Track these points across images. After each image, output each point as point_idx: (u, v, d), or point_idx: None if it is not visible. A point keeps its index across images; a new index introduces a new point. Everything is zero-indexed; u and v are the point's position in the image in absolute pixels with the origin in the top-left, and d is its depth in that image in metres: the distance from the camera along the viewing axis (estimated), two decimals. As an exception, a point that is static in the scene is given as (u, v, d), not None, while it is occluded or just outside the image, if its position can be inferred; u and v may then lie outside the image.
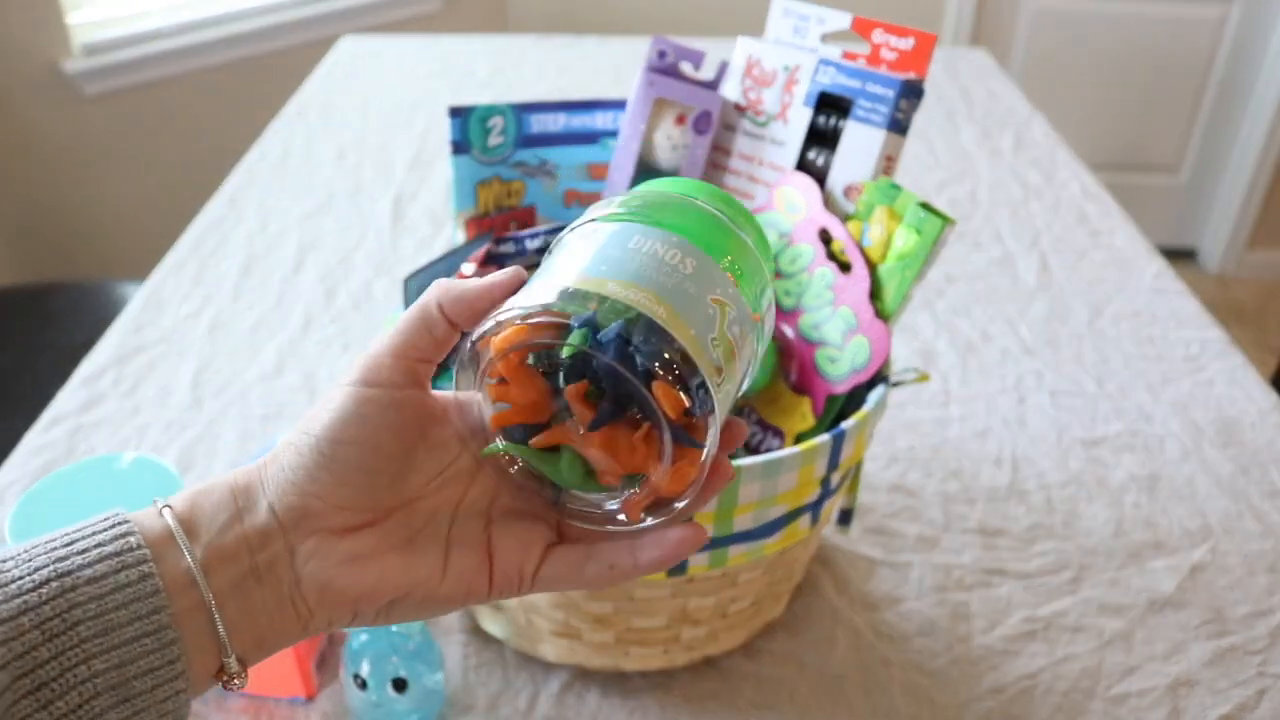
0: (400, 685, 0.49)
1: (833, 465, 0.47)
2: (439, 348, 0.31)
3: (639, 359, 0.28)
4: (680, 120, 0.57)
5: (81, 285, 1.28)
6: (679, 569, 0.48)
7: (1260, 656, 0.58)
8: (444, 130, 1.22)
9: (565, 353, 0.29)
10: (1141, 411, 0.77)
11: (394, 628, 0.49)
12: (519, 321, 0.29)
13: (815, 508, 0.49)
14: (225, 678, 0.29)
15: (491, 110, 0.57)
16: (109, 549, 0.27)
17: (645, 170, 0.59)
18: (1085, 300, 0.91)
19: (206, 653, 0.28)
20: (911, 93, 0.51)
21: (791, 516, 0.48)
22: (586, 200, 0.61)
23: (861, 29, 0.53)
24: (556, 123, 0.59)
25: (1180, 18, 2.20)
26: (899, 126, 0.52)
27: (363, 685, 0.50)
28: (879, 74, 0.52)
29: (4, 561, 0.27)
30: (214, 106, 1.86)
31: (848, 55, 0.54)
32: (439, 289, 0.31)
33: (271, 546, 0.30)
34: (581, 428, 0.30)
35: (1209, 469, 0.72)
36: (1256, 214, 2.33)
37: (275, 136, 1.20)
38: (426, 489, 0.32)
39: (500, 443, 0.31)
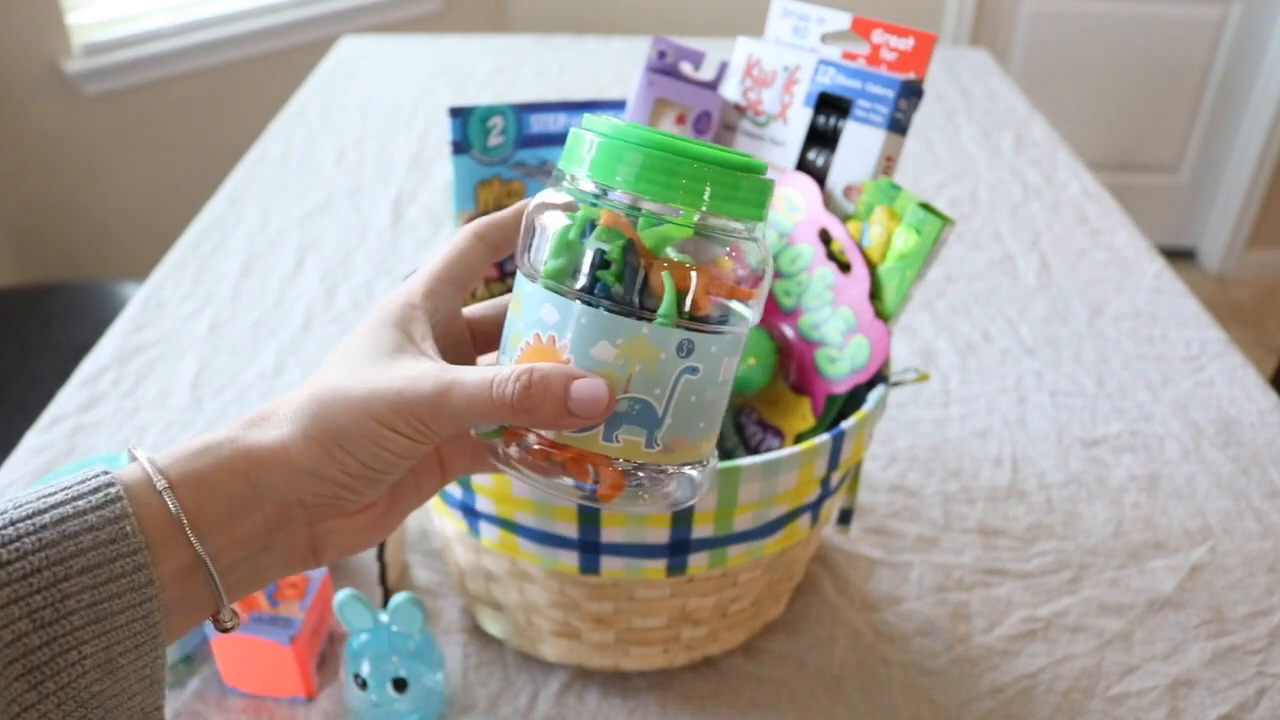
0: (400, 685, 0.49)
1: (833, 465, 0.48)
2: (481, 270, 0.36)
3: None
4: (680, 120, 0.57)
5: (81, 285, 1.28)
6: (679, 569, 0.48)
7: (1260, 656, 0.58)
8: (444, 130, 1.22)
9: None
10: (1141, 411, 0.77)
11: (394, 628, 0.50)
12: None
13: (815, 507, 0.49)
14: (221, 619, 0.31)
15: (491, 110, 0.57)
16: (103, 535, 0.27)
17: None
18: (1085, 300, 0.91)
19: (203, 609, 0.31)
20: (911, 93, 0.51)
21: (791, 516, 0.48)
22: (586, 200, 0.61)
23: (861, 29, 0.53)
24: (557, 123, 0.59)
25: (1180, 18, 2.20)
26: (899, 127, 0.52)
27: (363, 685, 0.50)
28: (879, 74, 0.52)
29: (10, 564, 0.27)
30: (214, 107, 1.86)
31: (847, 55, 0.54)
32: (475, 224, 0.36)
33: (291, 526, 0.32)
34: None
35: (1209, 469, 0.72)
36: (1256, 214, 2.33)
37: (275, 136, 1.20)
38: None
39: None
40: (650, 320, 0.31)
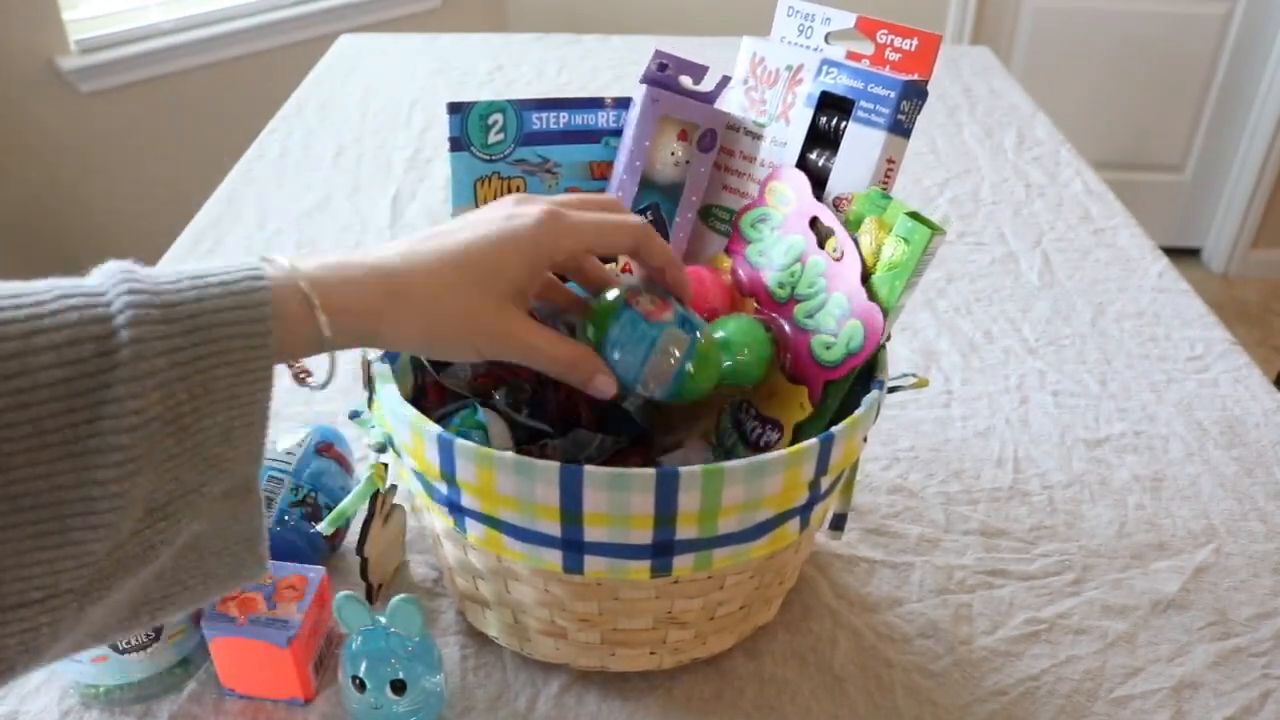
0: (399, 687, 0.49)
1: (821, 469, 0.47)
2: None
3: None
4: (683, 136, 0.56)
5: (80, 283, 1.27)
6: (664, 570, 0.47)
7: (1265, 659, 0.57)
8: (443, 129, 1.22)
9: None
10: (1145, 412, 0.77)
11: (392, 629, 0.49)
12: None
13: (805, 511, 0.49)
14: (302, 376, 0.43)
15: (491, 107, 0.57)
16: (249, 341, 0.35)
17: (646, 185, 0.58)
18: (1088, 299, 0.91)
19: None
20: (914, 94, 0.51)
21: (779, 520, 0.48)
22: (587, 199, 0.60)
23: (866, 29, 0.53)
24: (558, 121, 0.58)
25: (1184, 14, 2.19)
26: (901, 129, 0.51)
27: (361, 687, 0.49)
28: (881, 74, 0.51)
29: (171, 325, 0.34)
30: (211, 104, 1.86)
31: (851, 55, 0.53)
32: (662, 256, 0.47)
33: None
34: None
35: (1213, 470, 0.71)
36: (1261, 213, 2.32)
37: (273, 135, 1.19)
38: None
39: None
40: None
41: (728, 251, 0.56)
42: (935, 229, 0.46)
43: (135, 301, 0.33)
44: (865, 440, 0.51)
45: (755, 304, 0.54)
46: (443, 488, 0.48)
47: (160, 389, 0.33)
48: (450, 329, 0.41)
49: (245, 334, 0.35)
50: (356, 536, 0.56)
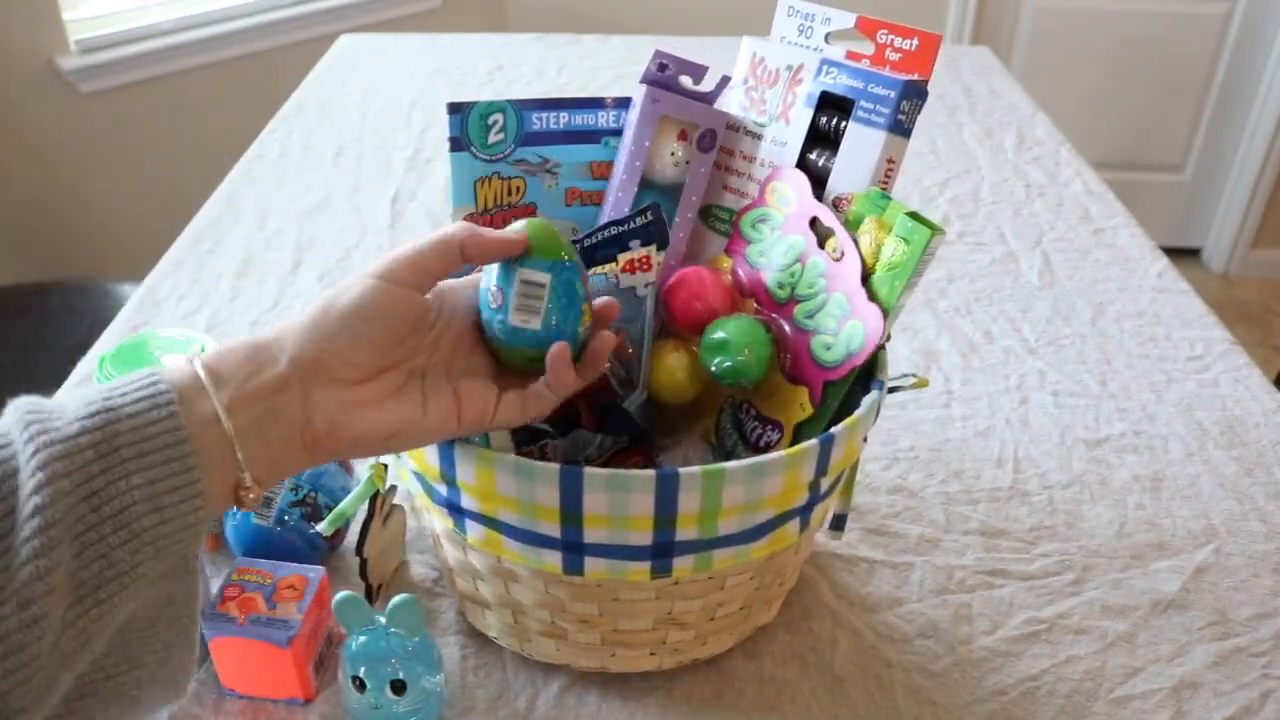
0: (399, 687, 0.49)
1: (821, 470, 0.47)
2: (448, 270, 0.42)
3: None
4: (683, 136, 0.56)
5: (78, 285, 1.27)
6: (664, 571, 0.47)
7: (1265, 659, 0.57)
8: (443, 129, 1.22)
9: None
10: (1145, 412, 0.77)
11: (392, 629, 0.49)
12: None
13: (805, 512, 0.49)
14: (242, 492, 0.37)
15: (491, 107, 0.56)
16: (144, 393, 0.35)
17: (645, 185, 0.58)
18: (1088, 299, 0.91)
19: (227, 473, 0.37)
20: (914, 94, 0.51)
21: (779, 521, 0.48)
22: (588, 198, 0.61)
23: (866, 29, 0.53)
24: (558, 121, 0.58)
25: (1184, 14, 2.19)
26: (901, 129, 0.51)
27: (361, 687, 0.49)
28: (881, 74, 0.51)
29: (62, 404, 0.35)
30: (211, 104, 1.86)
31: (851, 55, 0.53)
32: (466, 231, 0.42)
33: (288, 392, 0.39)
34: None
35: (1213, 470, 0.71)
36: (1261, 212, 2.32)
37: (273, 135, 1.19)
38: (408, 356, 0.43)
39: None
40: None
41: (728, 251, 0.56)
42: (935, 229, 0.46)
43: (27, 410, 0.34)
44: (865, 440, 0.51)
45: (755, 304, 0.54)
46: (442, 489, 0.48)
47: (61, 443, 0.33)
48: (344, 288, 0.40)
49: (138, 387, 0.35)
50: (356, 537, 0.56)
